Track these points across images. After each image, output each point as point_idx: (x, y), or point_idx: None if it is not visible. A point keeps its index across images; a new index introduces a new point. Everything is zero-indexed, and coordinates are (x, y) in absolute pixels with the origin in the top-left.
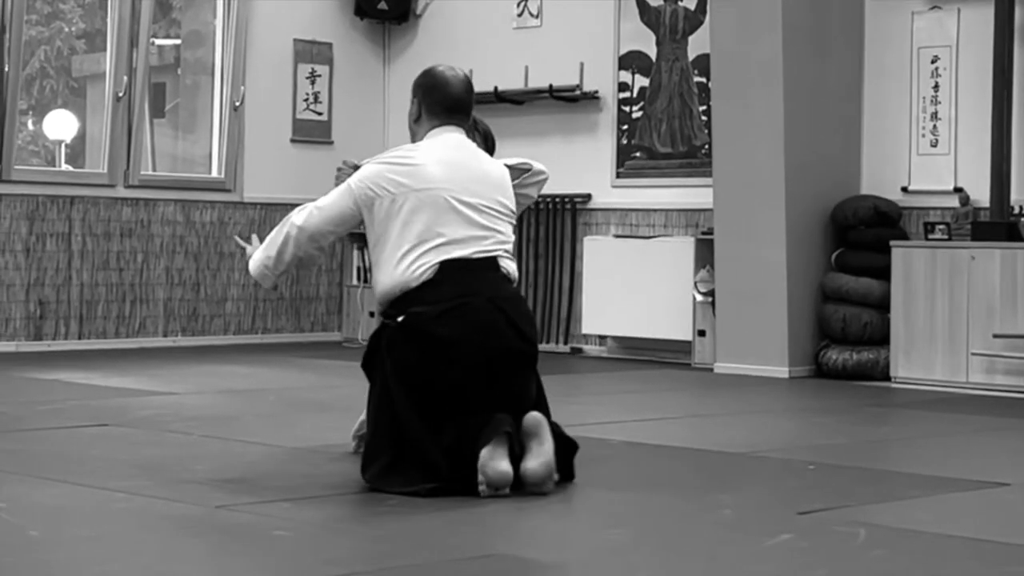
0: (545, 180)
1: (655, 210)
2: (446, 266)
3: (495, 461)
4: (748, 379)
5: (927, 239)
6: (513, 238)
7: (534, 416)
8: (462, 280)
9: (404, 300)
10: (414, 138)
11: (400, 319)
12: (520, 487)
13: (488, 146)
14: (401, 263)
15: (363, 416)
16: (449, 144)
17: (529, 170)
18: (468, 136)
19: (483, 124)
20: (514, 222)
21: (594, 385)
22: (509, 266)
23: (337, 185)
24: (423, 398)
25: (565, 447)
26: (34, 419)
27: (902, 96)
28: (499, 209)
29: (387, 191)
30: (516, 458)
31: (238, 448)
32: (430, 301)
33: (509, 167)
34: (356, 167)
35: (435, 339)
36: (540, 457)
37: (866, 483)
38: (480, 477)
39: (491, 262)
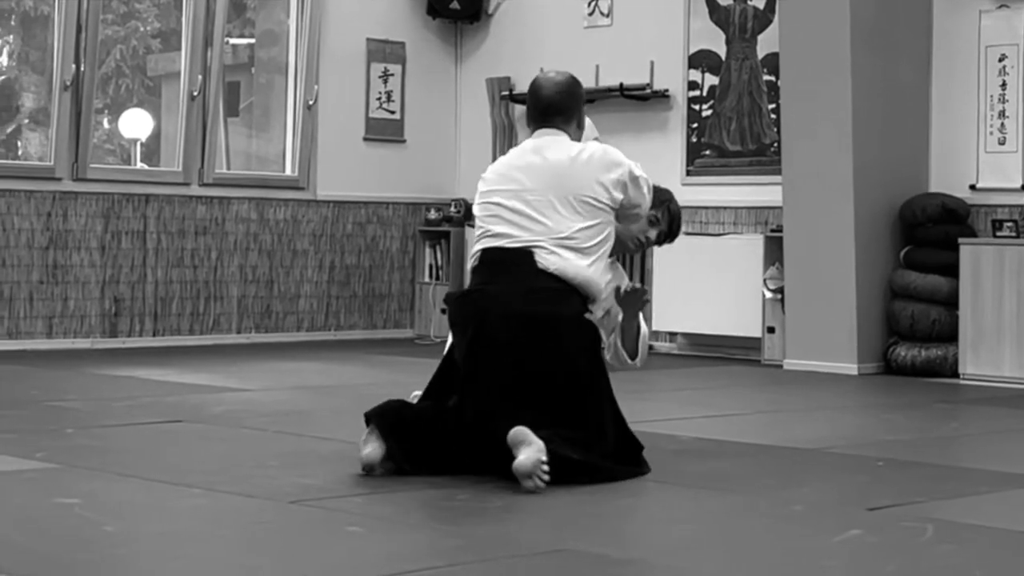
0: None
1: (725, 208)
2: (483, 255)
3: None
4: (817, 376)
5: (995, 236)
6: (579, 227)
7: (517, 431)
8: (490, 269)
9: None
10: None
11: None
12: (570, 482)
13: (672, 228)
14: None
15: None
16: (525, 148)
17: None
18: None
19: (675, 205)
20: (590, 210)
21: (664, 381)
22: (548, 260)
23: None
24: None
25: (629, 447)
26: (109, 416)
27: (969, 94)
28: (555, 200)
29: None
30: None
31: (311, 444)
32: (470, 286)
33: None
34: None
35: (450, 319)
36: (528, 453)
37: (935, 479)
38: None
39: (524, 255)
